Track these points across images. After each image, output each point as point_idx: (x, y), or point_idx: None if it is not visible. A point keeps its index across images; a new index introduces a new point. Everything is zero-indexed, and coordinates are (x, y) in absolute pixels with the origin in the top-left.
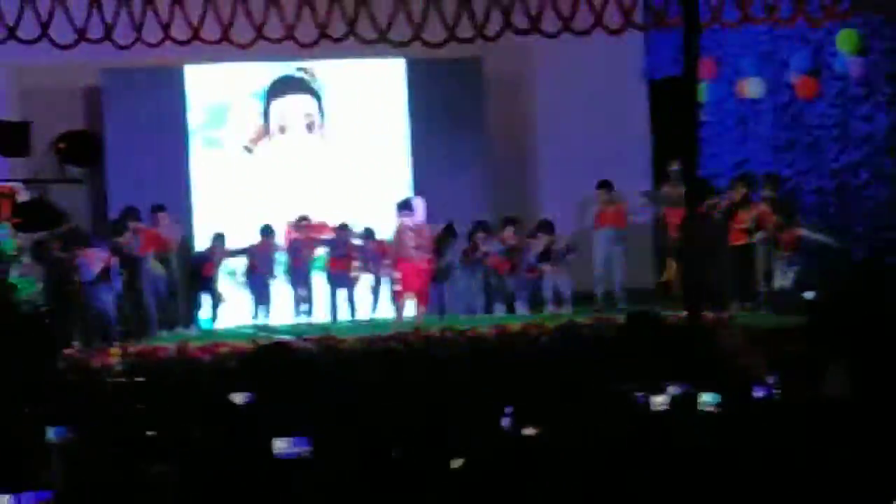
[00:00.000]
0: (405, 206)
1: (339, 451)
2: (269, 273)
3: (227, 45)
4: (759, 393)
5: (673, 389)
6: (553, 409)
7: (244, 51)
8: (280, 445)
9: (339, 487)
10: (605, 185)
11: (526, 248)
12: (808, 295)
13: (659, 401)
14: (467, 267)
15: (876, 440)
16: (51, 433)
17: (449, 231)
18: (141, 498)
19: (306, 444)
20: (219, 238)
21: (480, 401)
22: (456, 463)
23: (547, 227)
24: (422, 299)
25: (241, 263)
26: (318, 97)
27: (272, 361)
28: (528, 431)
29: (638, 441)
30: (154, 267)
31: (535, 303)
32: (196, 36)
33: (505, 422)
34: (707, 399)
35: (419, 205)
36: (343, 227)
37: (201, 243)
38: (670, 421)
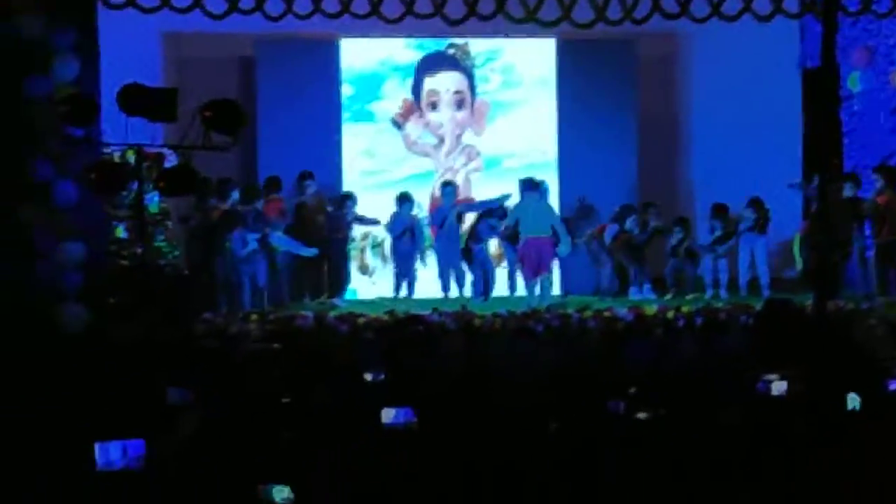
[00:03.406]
0: (532, 186)
1: (446, 424)
2: (412, 245)
3: (379, 20)
4: (893, 386)
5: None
6: (673, 393)
7: (395, 26)
8: (388, 414)
9: (442, 461)
10: (753, 203)
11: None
12: None
13: (779, 387)
14: (594, 249)
15: None
16: (172, 394)
17: (582, 211)
18: (270, 461)
19: (412, 415)
20: (351, 199)
21: (603, 383)
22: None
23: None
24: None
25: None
26: (469, 74)
27: (404, 334)
28: (642, 415)
29: (756, 427)
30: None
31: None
32: (346, 9)
33: (619, 405)
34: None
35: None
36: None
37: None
38: (791, 409)
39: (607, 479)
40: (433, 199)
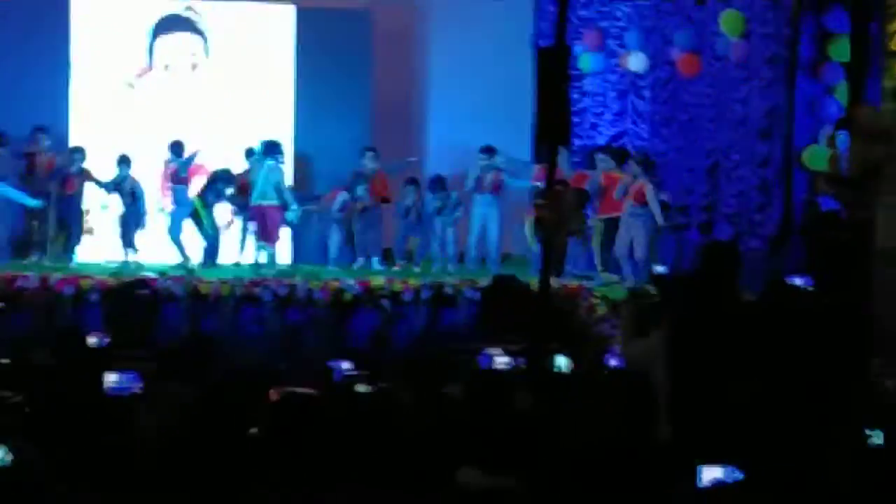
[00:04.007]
0: (267, 151)
1: (173, 392)
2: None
3: None
4: (611, 362)
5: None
6: (397, 366)
7: None
8: (111, 379)
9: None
10: (487, 149)
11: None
12: (659, 269)
13: (502, 361)
14: (325, 217)
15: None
16: None
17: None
18: None
19: (137, 380)
20: (79, 152)
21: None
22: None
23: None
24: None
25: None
26: (203, 37)
27: (129, 297)
28: (364, 388)
29: (474, 400)
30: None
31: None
32: None
33: (337, 375)
34: (560, 362)
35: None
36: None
37: None
38: (513, 381)
39: (330, 448)
40: (166, 163)
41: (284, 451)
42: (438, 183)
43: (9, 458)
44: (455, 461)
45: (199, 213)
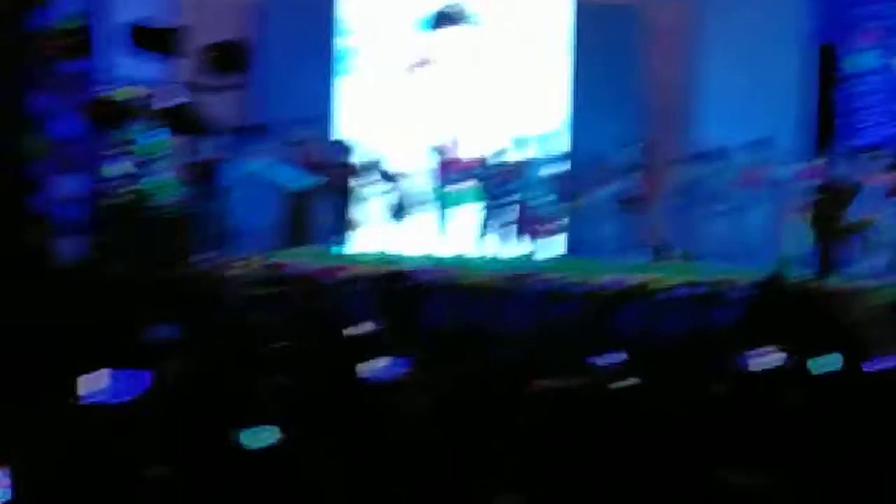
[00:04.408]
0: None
1: (434, 380)
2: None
3: None
4: (878, 366)
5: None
6: (661, 362)
7: None
8: (374, 365)
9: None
10: (755, 143)
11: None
12: None
13: (770, 360)
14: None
15: None
16: (160, 333)
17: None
18: (247, 405)
19: (402, 366)
20: (344, 144)
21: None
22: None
23: None
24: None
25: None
26: (474, 30)
27: (392, 287)
28: (628, 382)
29: (739, 399)
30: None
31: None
32: None
33: (600, 370)
34: (830, 364)
35: None
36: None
37: None
38: (780, 382)
39: (589, 442)
40: (438, 155)
41: (545, 443)
42: (713, 153)
43: (276, 437)
44: (718, 460)
45: (460, 202)
